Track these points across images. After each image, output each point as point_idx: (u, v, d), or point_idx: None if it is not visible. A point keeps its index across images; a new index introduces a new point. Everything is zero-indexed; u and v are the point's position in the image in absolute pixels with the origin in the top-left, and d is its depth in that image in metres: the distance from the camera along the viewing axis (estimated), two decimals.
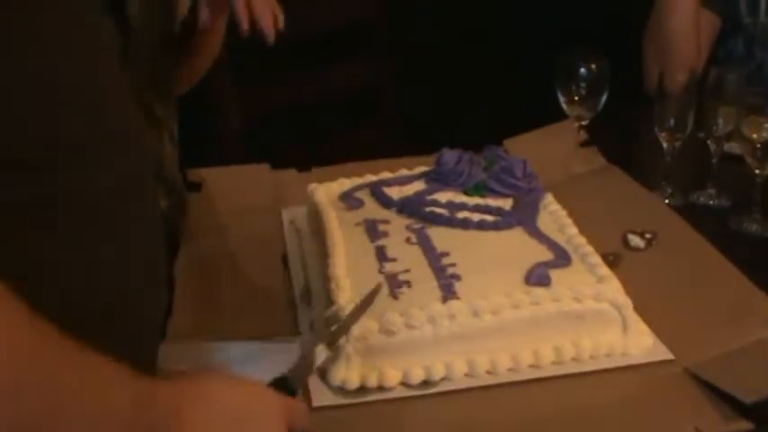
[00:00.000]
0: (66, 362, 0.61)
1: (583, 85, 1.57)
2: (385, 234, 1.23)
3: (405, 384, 1.04)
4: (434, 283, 1.10)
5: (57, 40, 0.72)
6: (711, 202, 1.51)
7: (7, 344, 0.57)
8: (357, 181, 1.39)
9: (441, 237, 1.21)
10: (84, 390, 0.62)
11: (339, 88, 2.37)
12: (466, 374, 1.05)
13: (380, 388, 1.04)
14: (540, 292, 1.08)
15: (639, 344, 1.10)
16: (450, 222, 1.24)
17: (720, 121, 1.47)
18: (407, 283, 1.11)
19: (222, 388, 0.74)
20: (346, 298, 1.07)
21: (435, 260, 1.15)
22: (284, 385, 0.83)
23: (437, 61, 2.69)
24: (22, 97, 0.69)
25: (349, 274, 1.12)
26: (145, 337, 0.83)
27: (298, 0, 2.30)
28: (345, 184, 1.39)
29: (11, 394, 0.57)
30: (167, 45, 1.32)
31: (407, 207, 1.28)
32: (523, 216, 1.26)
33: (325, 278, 1.14)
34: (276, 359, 0.97)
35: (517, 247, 1.19)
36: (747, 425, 0.96)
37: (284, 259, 1.32)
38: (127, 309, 0.78)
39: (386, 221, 1.26)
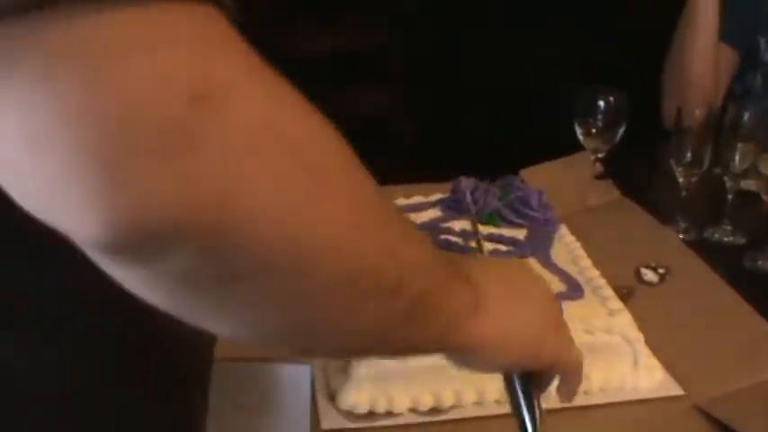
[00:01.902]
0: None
1: (600, 117, 1.57)
2: None
3: (413, 411, 1.04)
4: None
5: None
6: (726, 239, 1.51)
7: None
8: None
9: None
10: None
11: (353, 114, 2.38)
12: (475, 403, 1.05)
13: (389, 413, 1.04)
14: None
15: (650, 378, 1.10)
16: (463, 251, 1.25)
17: (737, 157, 1.47)
18: None
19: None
20: None
21: None
22: None
23: (454, 89, 2.70)
24: None
25: None
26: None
27: (312, 23, 2.33)
28: None
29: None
30: None
31: None
32: (537, 247, 1.26)
33: None
34: (286, 380, 0.97)
35: None
36: None
37: None
38: None
39: None
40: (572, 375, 0.76)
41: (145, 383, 0.65)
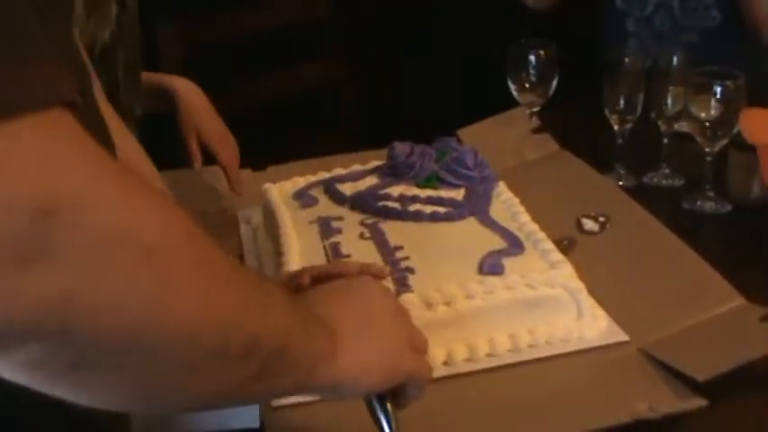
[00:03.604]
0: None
1: (532, 71, 1.58)
2: (338, 231, 1.23)
3: None
4: (388, 278, 1.11)
5: None
6: (664, 183, 1.52)
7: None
8: (311, 179, 1.39)
9: (394, 231, 1.22)
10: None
11: (293, 88, 2.37)
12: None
13: None
14: (493, 280, 1.09)
15: (594, 327, 1.10)
16: (402, 216, 1.25)
17: (669, 101, 1.48)
18: None
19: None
20: None
21: (389, 254, 1.16)
22: None
23: (390, 58, 2.69)
24: None
25: None
26: None
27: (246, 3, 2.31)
28: (299, 182, 1.39)
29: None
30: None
31: (360, 202, 1.29)
32: (476, 206, 1.26)
33: (280, 277, 1.14)
34: None
35: (470, 238, 1.20)
36: (701, 402, 0.97)
37: (240, 259, 1.32)
38: None
39: (339, 218, 1.26)
40: (423, 383, 0.80)
41: None
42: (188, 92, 1.47)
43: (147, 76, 1.47)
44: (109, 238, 0.49)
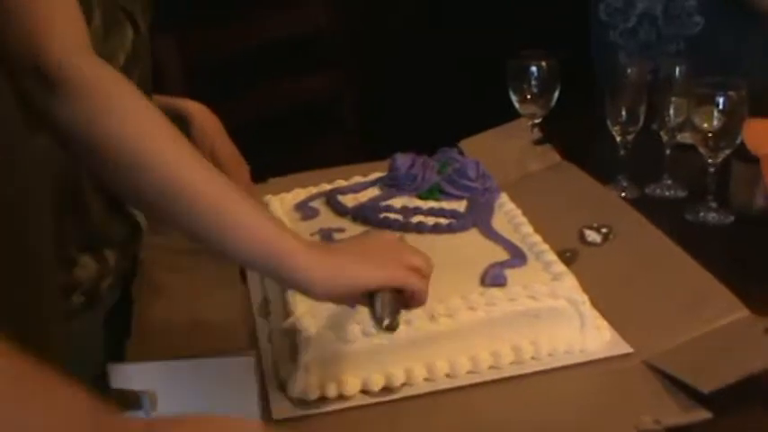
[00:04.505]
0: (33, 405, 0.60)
1: (534, 83, 1.58)
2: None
3: (365, 392, 1.04)
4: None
5: None
6: (667, 194, 1.52)
7: None
8: (312, 191, 1.39)
9: None
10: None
11: (294, 100, 2.37)
12: (426, 379, 1.05)
13: (341, 397, 1.03)
14: (495, 292, 1.08)
15: (597, 339, 1.10)
16: (404, 228, 1.24)
17: (672, 111, 1.48)
18: None
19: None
20: (303, 309, 1.07)
21: None
22: None
23: (390, 70, 2.70)
24: None
25: None
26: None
27: (250, 12, 2.31)
28: (300, 194, 1.38)
29: None
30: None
31: (361, 214, 1.28)
32: (478, 217, 1.26)
33: (283, 290, 1.14)
34: (230, 374, 0.96)
35: (472, 249, 1.19)
36: (706, 414, 0.97)
37: (242, 273, 1.31)
38: None
39: (341, 230, 1.26)
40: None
41: None
42: (201, 115, 1.47)
43: (158, 99, 1.47)
44: None
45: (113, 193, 1.05)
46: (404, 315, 1.04)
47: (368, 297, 0.93)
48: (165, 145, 0.91)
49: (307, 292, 0.93)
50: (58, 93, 0.89)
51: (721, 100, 1.37)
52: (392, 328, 0.92)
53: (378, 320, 0.92)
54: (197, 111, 1.48)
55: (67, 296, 1.08)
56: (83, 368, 0.77)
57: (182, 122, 1.47)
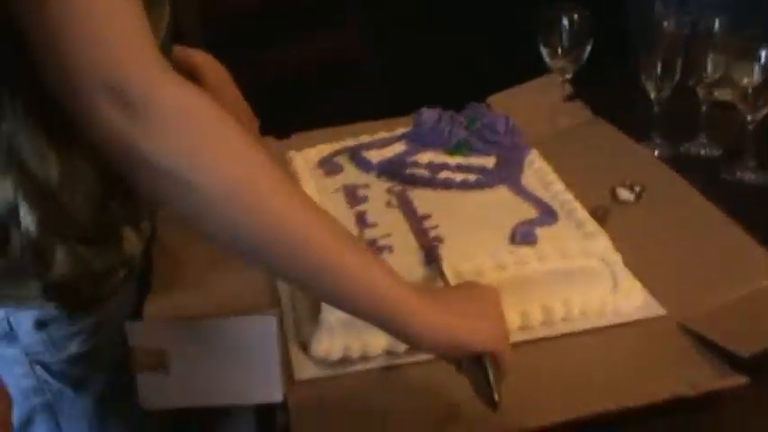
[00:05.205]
0: None
1: (565, 36, 1.52)
2: (365, 199, 1.19)
3: (390, 353, 1.01)
4: (416, 247, 1.07)
5: None
6: (702, 152, 1.47)
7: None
8: (336, 146, 1.35)
9: (422, 199, 1.18)
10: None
11: (319, 55, 2.33)
12: None
13: (364, 357, 1.00)
14: (525, 251, 1.05)
15: (630, 300, 1.06)
16: (431, 183, 1.21)
17: (709, 67, 1.42)
18: (389, 248, 1.07)
19: None
20: None
21: (417, 223, 1.12)
22: None
23: (418, 23, 2.64)
24: None
25: None
26: None
27: None
28: (324, 149, 1.35)
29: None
30: None
31: (387, 170, 1.25)
32: (507, 174, 1.22)
33: None
34: (252, 332, 0.93)
35: (501, 206, 1.15)
36: (742, 379, 0.93)
37: None
38: None
39: (366, 186, 1.22)
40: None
41: None
42: (208, 67, 1.43)
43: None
44: None
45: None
46: (429, 273, 1.02)
47: (475, 361, 0.89)
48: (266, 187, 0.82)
49: (416, 348, 0.92)
50: (142, 120, 0.77)
51: (763, 54, 1.31)
52: (498, 404, 0.87)
53: (487, 392, 0.88)
54: (203, 62, 1.43)
55: (116, 271, 1.05)
56: None
57: (190, 76, 1.43)
